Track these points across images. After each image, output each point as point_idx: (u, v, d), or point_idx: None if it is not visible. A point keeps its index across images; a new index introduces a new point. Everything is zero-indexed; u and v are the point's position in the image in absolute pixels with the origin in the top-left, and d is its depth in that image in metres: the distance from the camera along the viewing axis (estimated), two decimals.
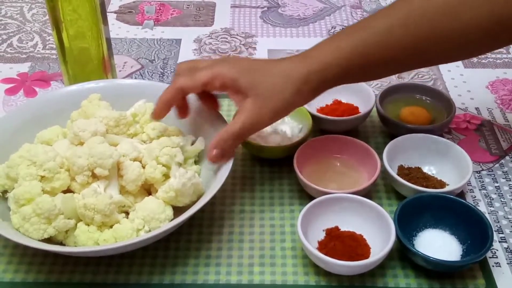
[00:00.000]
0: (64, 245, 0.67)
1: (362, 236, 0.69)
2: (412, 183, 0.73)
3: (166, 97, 0.69)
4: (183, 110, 0.74)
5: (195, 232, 0.72)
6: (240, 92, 0.66)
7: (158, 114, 0.70)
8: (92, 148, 0.67)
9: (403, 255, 0.69)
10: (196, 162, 0.76)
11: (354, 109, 0.86)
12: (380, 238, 0.67)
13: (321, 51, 0.68)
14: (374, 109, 0.85)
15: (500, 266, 0.69)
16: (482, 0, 0.65)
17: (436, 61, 0.75)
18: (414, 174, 0.77)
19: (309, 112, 0.82)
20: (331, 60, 0.67)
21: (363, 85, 0.87)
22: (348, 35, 0.68)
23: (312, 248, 0.65)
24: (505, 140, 0.87)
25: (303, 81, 0.66)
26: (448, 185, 0.76)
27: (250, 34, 1.13)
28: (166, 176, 0.69)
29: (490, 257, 0.70)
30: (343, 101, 0.88)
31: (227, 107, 0.91)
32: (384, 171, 0.75)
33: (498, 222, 0.74)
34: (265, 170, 0.81)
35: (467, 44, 0.68)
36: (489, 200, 0.77)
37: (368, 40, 0.67)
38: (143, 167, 0.69)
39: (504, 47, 1.06)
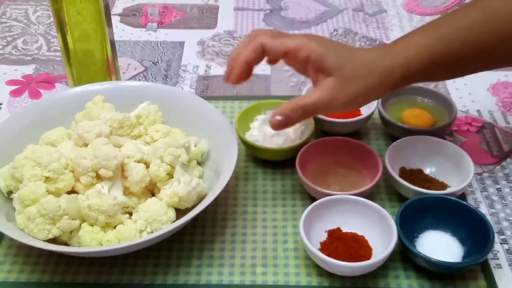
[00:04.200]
0: (68, 245, 0.67)
1: (364, 237, 0.69)
2: (414, 185, 0.73)
3: (246, 56, 0.63)
4: (246, 73, 0.65)
5: (198, 233, 0.73)
6: (323, 70, 0.63)
7: (238, 77, 0.63)
8: (96, 149, 0.67)
9: (405, 256, 0.69)
10: (199, 163, 0.77)
11: (356, 111, 0.86)
12: (382, 240, 0.68)
13: (404, 46, 0.66)
14: (376, 111, 0.85)
15: (501, 267, 0.69)
16: None
17: None
18: (415, 176, 0.77)
19: None
20: (414, 56, 0.65)
21: None
22: (433, 31, 0.66)
23: (314, 249, 0.65)
24: (507, 143, 0.87)
25: (387, 73, 0.64)
26: (449, 187, 0.76)
27: None
28: (170, 175, 0.70)
29: (491, 259, 0.70)
30: None
31: (230, 109, 0.92)
32: (386, 173, 0.76)
33: (499, 223, 0.75)
34: (268, 172, 0.81)
35: None
36: (490, 202, 0.78)
37: (450, 37, 0.65)
38: (147, 167, 0.70)
39: None
